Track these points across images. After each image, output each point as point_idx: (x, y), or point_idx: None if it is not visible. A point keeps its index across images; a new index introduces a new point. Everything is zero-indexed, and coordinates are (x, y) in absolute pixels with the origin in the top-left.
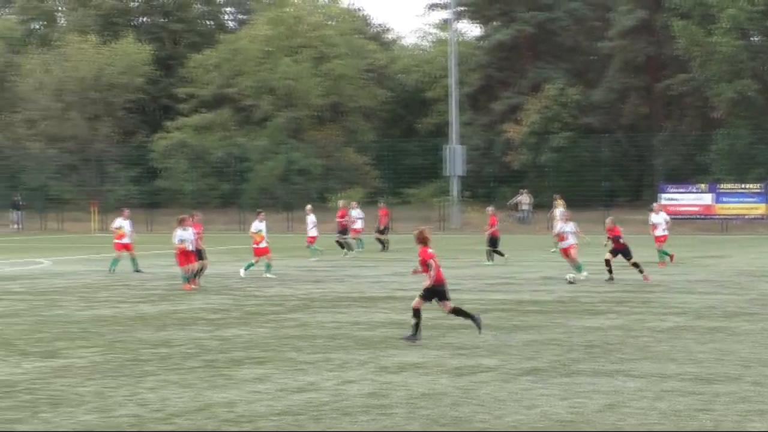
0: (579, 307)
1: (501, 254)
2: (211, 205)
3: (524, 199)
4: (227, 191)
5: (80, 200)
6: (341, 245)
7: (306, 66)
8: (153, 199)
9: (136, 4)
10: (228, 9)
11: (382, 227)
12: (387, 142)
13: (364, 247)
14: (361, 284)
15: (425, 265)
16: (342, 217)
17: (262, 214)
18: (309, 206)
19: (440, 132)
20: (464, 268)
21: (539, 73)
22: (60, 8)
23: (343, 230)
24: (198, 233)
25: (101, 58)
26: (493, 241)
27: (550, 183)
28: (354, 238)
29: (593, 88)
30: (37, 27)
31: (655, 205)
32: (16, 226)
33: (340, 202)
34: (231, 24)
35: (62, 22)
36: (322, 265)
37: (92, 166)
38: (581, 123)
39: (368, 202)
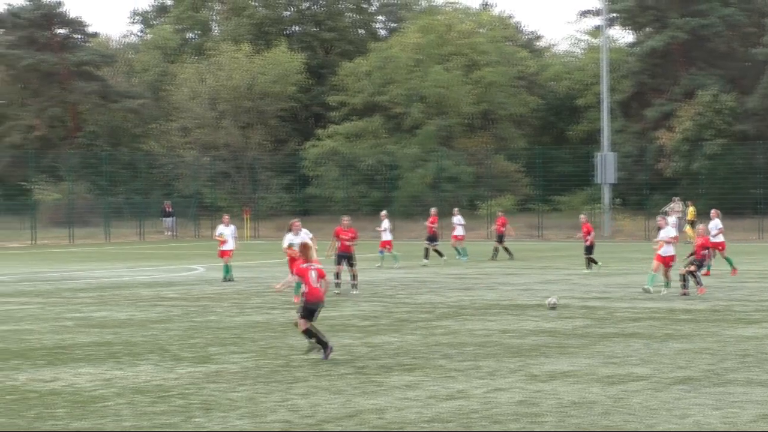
0: (733, 315)
1: (594, 262)
2: (362, 212)
3: (676, 206)
4: (378, 198)
5: (233, 207)
6: (437, 252)
7: (457, 74)
8: (304, 207)
9: (289, 13)
10: (379, 17)
11: (500, 236)
12: (538, 149)
13: (467, 256)
14: (511, 292)
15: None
16: (433, 223)
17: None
18: (384, 212)
19: (591, 139)
20: (614, 275)
21: (692, 79)
22: (214, 18)
23: (433, 237)
24: (349, 239)
25: (254, 67)
26: (589, 249)
27: (703, 190)
28: (455, 246)
29: (748, 94)
30: (192, 36)
31: (712, 211)
32: (170, 233)
33: (432, 210)
34: (382, 32)
35: (216, 31)
36: (472, 272)
37: (245, 173)
38: (735, 130)
39: (519, 209)
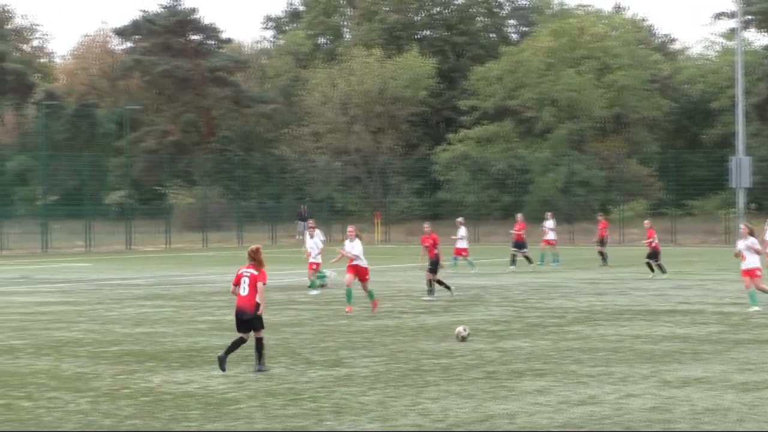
0: None
1: (662, 269)
2: (492, 216)
3: None
4: (508, 203)
5: (364, 212)
6: (526, 259)
7: (589, 77)
8: (435, 211)
9: (420, 17)
10: (511, 21)
11: (601, 240)
12: (671, 153)
13: (559, 262)
14: (644, 297)
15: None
16: (520, 230)
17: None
18: (460, 219)
19: (726, 143)
20: None
21: None
22: (346, 23)
23: (519, 244)
24: (429, 245)
25: (385, 71)
26: (654, 255)
27: None
28: (549, 251)
29: None
30: (324, 42)
31: None
32: (302, 237)
33: (519, 216)
34: (514, 36)
35: (348, 36)
36: (605, 277)
37: (376, 178)
38: None
39: (652, 214)
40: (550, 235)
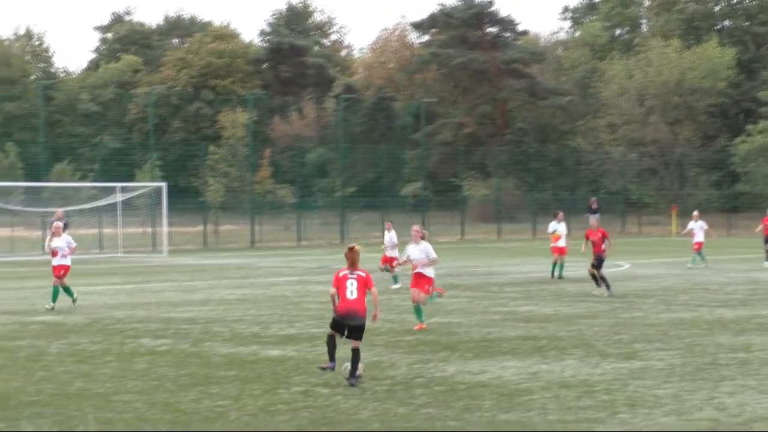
0: None
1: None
2: None
3: None
4: None
5: (660, 204)
6: None
7: None
8: (733, 204)
9: (719, 7)
10: None
11: None
12: None
13: None
14: None
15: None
16: None
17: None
18: (696, 212)
19: None
20: None
21: None
22: (643, 14)
23: None
24: (598, 240)
25: (683, 62)
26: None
27: None
28: None
29: None
30: (621, 33)
31: None
32: None
33: None
34: None
35: (645, 27)
36: None
37: (672, 170)
38: None
39: None
40: None
